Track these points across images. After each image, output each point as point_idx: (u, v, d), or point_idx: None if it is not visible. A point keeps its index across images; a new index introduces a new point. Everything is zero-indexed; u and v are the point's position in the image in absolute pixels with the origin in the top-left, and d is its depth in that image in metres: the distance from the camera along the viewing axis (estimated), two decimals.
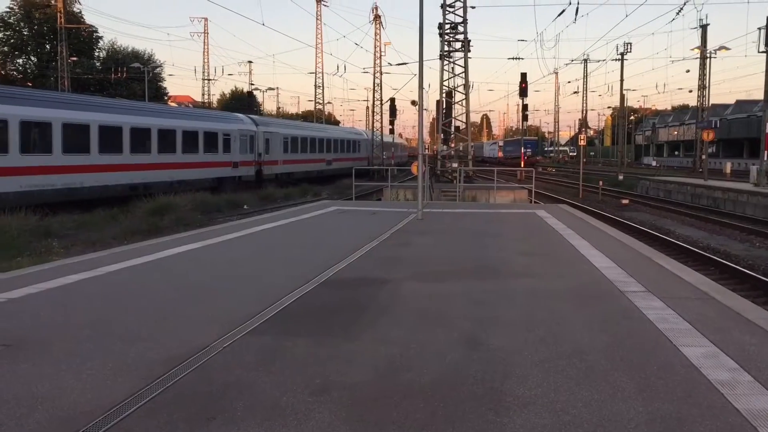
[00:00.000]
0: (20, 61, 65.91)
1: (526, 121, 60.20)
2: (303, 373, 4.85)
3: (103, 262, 9.51)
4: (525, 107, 55.79)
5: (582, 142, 42.45)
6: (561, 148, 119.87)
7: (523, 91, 42.77)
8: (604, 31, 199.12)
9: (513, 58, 71.61)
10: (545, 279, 8.52)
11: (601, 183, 36.38)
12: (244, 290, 7.71)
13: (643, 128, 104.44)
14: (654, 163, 78.45)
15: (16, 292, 7.40)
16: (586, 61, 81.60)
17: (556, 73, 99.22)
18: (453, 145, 36.63)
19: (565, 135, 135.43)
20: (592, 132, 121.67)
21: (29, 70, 65.42)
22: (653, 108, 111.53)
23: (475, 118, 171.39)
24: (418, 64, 16.39)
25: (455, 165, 31.03)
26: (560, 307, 6.99)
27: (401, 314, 6.60)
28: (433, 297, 7.40)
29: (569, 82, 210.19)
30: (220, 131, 34.11)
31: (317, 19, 68.20)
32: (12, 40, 63.91)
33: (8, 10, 62.93)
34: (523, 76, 42.00)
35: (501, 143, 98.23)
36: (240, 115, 39.32)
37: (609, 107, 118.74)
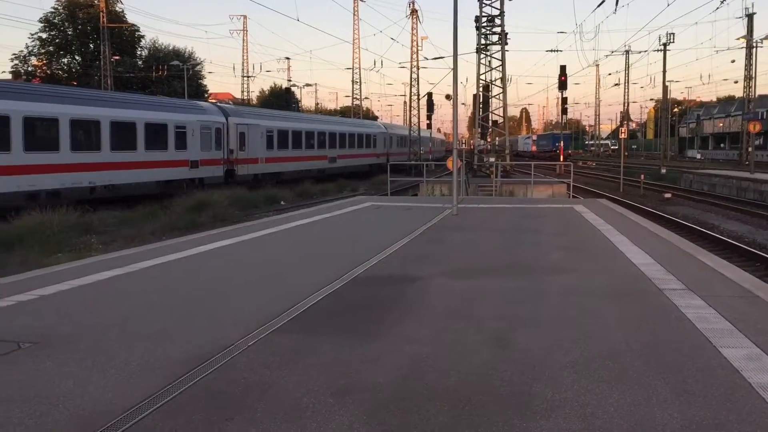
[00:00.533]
0: (65, 60, 67.23)
1: (566, 114, 59.23)
2: (326, 373, 4.75)
3: (136, 258, 9.57)
4: (564, 100, 54.89)
5: (623, 135, 41.66)
6: (602, 142, 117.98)
7: (562, 84, 42.14)
8: (645, 21, 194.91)
9: (551, 51, 70.60)
10: (580, 276, 8.29)
11: (642, 177, 35.63)
12: (272, 287, 7.66)
13: (687, 120, 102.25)
14: (698, 156, 76.76)
15: (49, 288, 7.46)
16: (627, 52, 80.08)
17: (597, 65, 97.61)
18: (490, 139, 36.27)
19: (606, 128, 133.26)
20: (634, 125, 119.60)
21: (74, 69, 66.71)
22: (698, 99, 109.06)
23: (514, 111, 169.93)
24: (452, 58, 16.19)
25: (492, 159, 30.69)
26: (595, 305, 6.78)
27: (429, 312, 6.47)
28: (463, 295, 7.25)
29: (610, 74, 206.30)
30: (171, 123, 27.97)
31: (354, 14, 68.20)
32: (57, 40, 65.19)
33: (53, 10, 64.24)
34: (562, 68, 41.44)
35: (534, 137, 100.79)
36: (202, 103, 33.88)
37: (651, 99, 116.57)
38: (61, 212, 17.72)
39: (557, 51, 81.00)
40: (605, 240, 11.46)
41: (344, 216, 15.83)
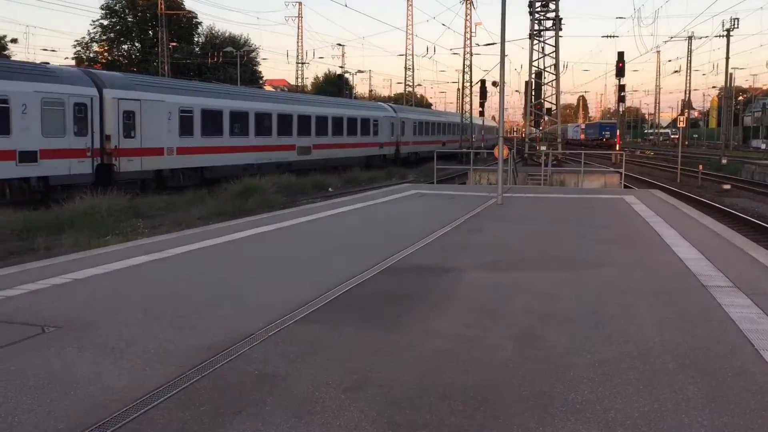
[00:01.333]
0: (125, 47, 68.69)
1: (624, 102, 57.87)
2: (342, 367, 4.64)
3: (172, 244, 9.64)
4: (622, 88, 53.65)
5: (681, 124, 40.37)
6: (661, 131, 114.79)
7: (619, 71, 41.06)
8: (707, 5, 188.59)
9: (608, 36, 68.84)
10: (622, 270, 7.99)
11: (701, 167, 34.47)
12: (303, 276, 7.60)
13: (752, 109, 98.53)
14: (763, 146, 73.98)
15: (84, 272, 7.55)
16: (690, 38, 77.52)
17: (658, 52, 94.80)
18: (543, 127, 35.59)
19: (666, 117, 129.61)
20: (696, 113, 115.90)
21: (133, 56, 68.11)
22: (764, 87, 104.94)
23: (571, 99, 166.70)
24: (500, 45, 15.83)
25: (544, 148, 30.11)
26: (633, 301, 6.50)
27: (458, 306, 6.30)
28: (496, 288, 7.05)
29: (670, 60, 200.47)
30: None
31: (407, 1, 67.73)
32: (118, 27, 66.62)
33: None
34: (620, 55, 40.27)
35: (582, 126, 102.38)
36: (52, 67, 24.95)
37: (714, 87, 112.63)
38: (111, 196, 18.07)
39: (614, 37, 78.82)
40: (652, 233, 11.05)
41: (386, 204, 15.71)
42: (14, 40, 60.51)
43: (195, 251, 9.09)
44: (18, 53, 57.66)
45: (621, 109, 65.53)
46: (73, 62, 62.97)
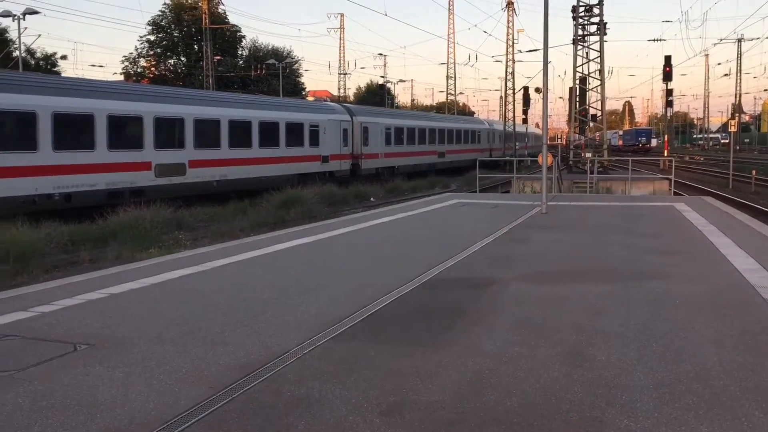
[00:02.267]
0: (171, 61, 69.90)
1: (671, 107, 56.36)
2: (379, 388, 4.42)
3: (211, 257, 9.55)
4: (669, 92, 52.22)
5: (733, 128, 39.13)
6: (711, 135, 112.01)
7: (666, 76, 39.97)
8: (757, 6, 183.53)
9: (654, 40, 67.38)
10: (674, 283, 7.59)
11: (754, 172, 33.34)
12: (341, 289, 7.39)
13: None
14: None
15: (120, 287, 7.48)
16: (739, 40, 75.50)
17: (707, 55, 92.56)
18: (589, 134, 34.90)
19: (716, 121, 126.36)
20: (747, 117, 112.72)
21: (179, 70, 69.26)
22: None
23: (616, 105, 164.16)
24: (543, 51, 15.48)
25: (589, 155, 29.47)
26: (687, 316, 6.13)
27: (501, 321, 6.02)
28: (540, 302, 6.74)
29: (719, 63, 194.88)
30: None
31: (449, 10, 67.52)
32: (164, 42, 67.83)
33: (160, 13, 66.89)
34: (667, 59, 39.22)
35: (620, 132, 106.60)
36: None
37: (766, 90, 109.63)
38: (155, 208, 18.20)
39: (661, 40, 77.03)
40: (706, 242, 10.56)
41: (427, 214, 15.45)
42: (64, 57, 62.07)
43: (233, 264, 8.98)
44: (67, 69, 59.10)
45: (669, 114, 64.01)
46: (121, 77, 64.36)
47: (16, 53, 38.01)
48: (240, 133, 26.15)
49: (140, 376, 4.65)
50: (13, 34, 41.15)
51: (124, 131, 21.76)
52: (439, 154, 44.90)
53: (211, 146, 24.66)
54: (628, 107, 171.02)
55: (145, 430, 3.80)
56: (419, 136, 42.08)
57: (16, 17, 32.54)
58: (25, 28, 79.53)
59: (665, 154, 47.37)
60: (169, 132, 23.09)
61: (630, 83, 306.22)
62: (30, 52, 50.80)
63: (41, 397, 4.25)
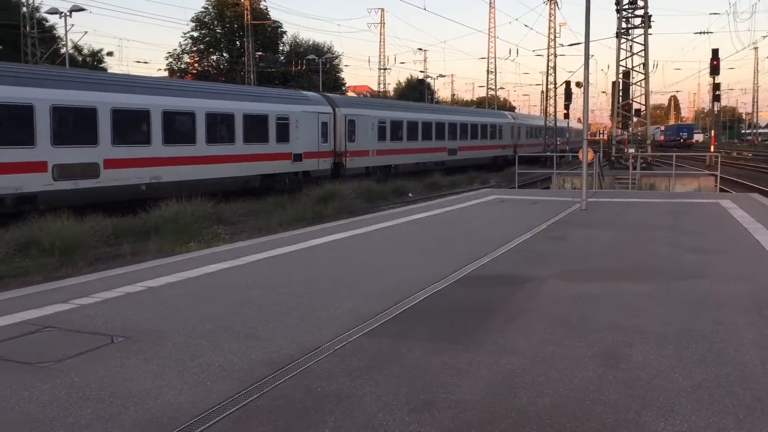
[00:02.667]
0: (214, 57, 70.74)
1: (718, 101, 55.09)
2: (410, 386, 4.38)
3: (249, 251, 9.62)
4: (716, 86, 51.01)
5: None
6: (760, 131, 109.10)
7: (714, 69, 39.09)
8: None
9: (701, 33, 65.76)
10: (717, 282, 7.39)
11: None
12: (374, 285, 7.37)
13: None
14: None
15: (158, 280, 7.59)
16: None
17: (756, 48, 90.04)
18: (632, 129, 34.29)
19: (765, 116, 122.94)
20: None
21: (221, 66, 70.06)
22: None
23: (661, 99, 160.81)
24: (584, 44, 15.23)
25: (632, 150, 28.94)
26: (730, 318, 5.96)
27: (535, 320, 5.93)
28: (577, 300, 6.63)
29: None
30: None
31: (490, 4, 66.95)
32: (207, 38, 68.68)
33: (203, 10, 67.75)
34: (714, 52, 38.33)
35: (662, 128, 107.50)
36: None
37: None
38: (195, 203, 18.43)
39: (708, 33, 75.20)
40: (752, 240, 10.27)
41: (465, 210, 15.34)
42: (110, 53, 63.38)
43: (269, 259, 9.03)
44: (113, 66, 60.21)
45: (716, 109, 62.52)
46: (165, 73, 65.36)
47: (64, 50, 38.87)
48: (179, 126, 21.86)
49: (173, 369, 4.69)
50: (60, 32, 42.10)
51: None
52: (450, 150, 39.66)
53: (137, 142, 20.36)
54: (674, 102, 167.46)
55: (176, 423, 3.83)
56: (423, 131, 36.72)
57: (63, 14, 33.28)
58: (72, 25, 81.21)
59: (712, 150, 46.25)
60: (75, 125, 18.93)
61: (676, 77, 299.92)
62: (77, 48, 51.92)
63: (77, 388, 4.32)
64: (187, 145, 21.85)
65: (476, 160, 42.39)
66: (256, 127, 24.64)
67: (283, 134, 25.86)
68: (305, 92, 30.73)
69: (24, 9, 38.14)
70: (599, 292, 6.98)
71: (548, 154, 48.98)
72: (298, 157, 26.64)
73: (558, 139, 60.08)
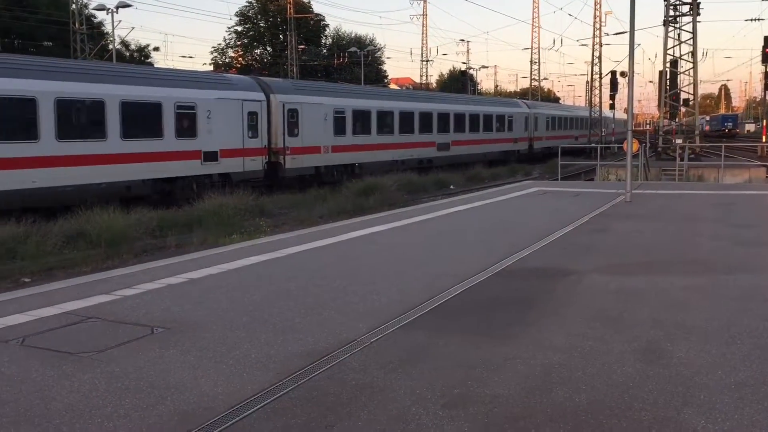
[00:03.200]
0: (258, 51, 71.35)
1: None
2: (444, 379, 4.36)
3: (289, 243, 9.69)
4: None
5: None
6: None
7: (765, 57, 37.89)
8: None
9: (752, 20, 63.66)
10: (765, 276, 7.17)
11: None
12: (412, 278, 7.35)
13: None
14: None
15: (199, 272, 7.69)
16: None
17: None
18: (680, 119, 33.50)
19: None
20: None
21: (265, 60, 70.64)
22: None
23: (711, 89, 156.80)
24: (629, 33, 14.92)
25: (679, 141, 28.28)
26: None
27: (575, 314, 5.83)
28: (619, 294, 6.50)
29: None
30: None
31: None
32: (251, 33, 69.32)
33: (247, 4, 68.35)
34: (766, 39, 37.15)
35: (707, 118, 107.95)
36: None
37: None
38: (238, 195, 18.64)
39: (759, 20, 72.75)
40: None
41: (506, 202, 15.19)
42: (156, 48, 64.45)
43: (308, 251, 9.08)
44: (159, 60, 61.24)
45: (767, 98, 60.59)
46: (210, 67, 66.16)
47: (112, 46, 39.70)
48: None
49: (211, 361, 4.75)
50: (108, 28, 42.99)
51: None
52: (440, 145, 33.40)
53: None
54: (724, 91, 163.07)
55: (212, 414, 3.87)
56: (401, 122, 30.54)
57: (110, 11, 33.98)
58: (119, 21, 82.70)
59: (764, 140, 44.90)
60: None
61: (726, 65, 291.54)
62: (124, 44, 52.96)
63: (116, 378, 4.41)
64: (23, 142, 16.27)
65: (477, 156, 36.40)
66: (142, 118, 19.17)
67: (188, 127, 20.47)
68: (227, 75, 25.45)
69: (73, 6, 39.02)
70: (642, 286, 6.83)
71: (582, 145, 47.79)
72: (211, 156, 21.09)
73: (604, 129, 59.01)
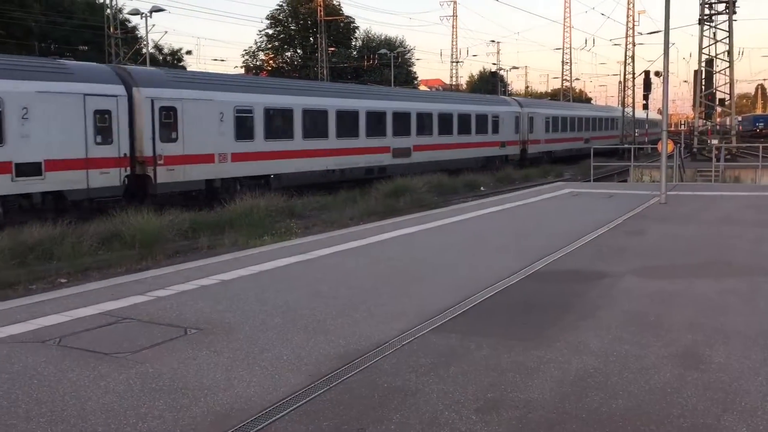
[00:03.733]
0: (288, 54, 71.79)
1: None
2: (477, 383, 4.31)
3: (320, 245, 9.70)
4: None
5: None
6: None
7: None
8: None
9: None
10: None
11: None
12: (443, 280, 7.31)
13: None
14: None
15: (231, 273, 7.73)
16: None
17: None
18: (716, 119, 32.93)
19: None
20: None
21: (295, 62, 71.06)
22: None
23: (747, 88, 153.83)
24: (664, 32, 14.68)
25: (715, 141, 27.79)
26: None
27: (610, 317, 5.74)
28: (654, 297, 6.39)
29: None
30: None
31: None
32: (282, 36, 69.79)
33: (278, 7, 68.83)
34: None
35: (740, 118, 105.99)
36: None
37: None
38: (269, 197, 18.76)
39: None
40: None
41: (538, 204, 15.05)
42: (189, 52, 65.12)
43: (339, 253, 9.08)
44: (191, 64, 61.97)
45: None
46: (242, 70, 66.74)
47: (145, 50, 40.24)
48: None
49: (243, 362, 4.76)
50: (142, 32, 43.62)
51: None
52: (397, 151, 28.26)
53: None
54: (761, 90, 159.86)
55: (245, 415, 3.88)
56: (339, 123, 25.22)
57: (144, 15, 34.45)
58: (153, 25, 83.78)
59: None
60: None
61: (763, 65, 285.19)
62: (158, 48, 53.68)
63: (151, 379, 4.44)
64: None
65: (449, 163, 31.13)
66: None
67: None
68: (64, 61, 19.09)
69: (108, 11, 39.66)
70: (678, 289, 6.71)
71: (612, 146, 47.01)
72: (32, 169, 16.21)
73: (637, 130, 58.25)
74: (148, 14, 34.21)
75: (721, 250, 8.90)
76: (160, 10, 33.99)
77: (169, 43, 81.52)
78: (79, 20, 44.59)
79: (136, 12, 35.55)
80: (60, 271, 12.23)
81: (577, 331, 5.35)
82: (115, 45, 39.14)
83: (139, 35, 46.05)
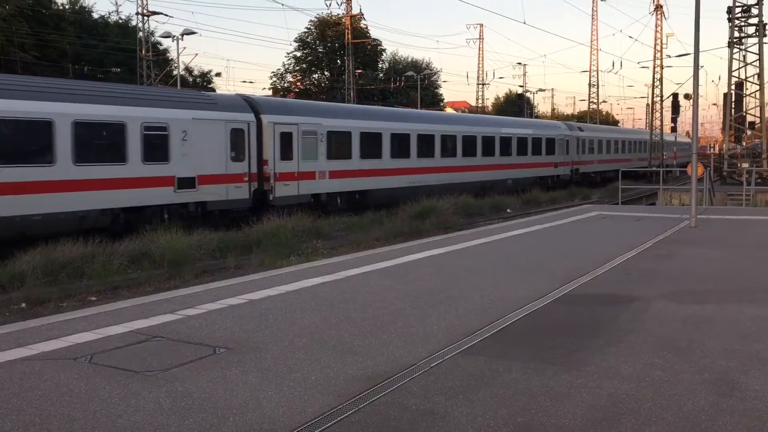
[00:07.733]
0: (316, 76, 72.51)
1: None
2: (507, 407, 4.27)
3: (346, 265, 9.71)
4: None
5: None
6: None
7: None
8: None
9: None
10: None
11: None
12: (471, 302, 7.27)
13: None
14: None
15: (259, 293, 7.77)
16: None
17: None
18: (746, 143, 32.56)
19: None
20: None
21: (323, 84, 71.71)
22: None
23: None
24: (693, 55, 14.60)
25: (745, 165, 27.43)
26: None
27: (641, 342, 5.66)
28: (687, 322, 6.29)
29: None
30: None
31: (592, 15, 65.41)
32: (309, 58, 70.53)
33: (306, 30, 69.66)
34: None
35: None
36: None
37: None
38: (296, 217, 18.85)
39: None
40: None
41: (565, 226, 14.94)
42: (218, 74, 66.03)
43: (365, 274, 9.08)
44: (220, 86, 62.85)
45: None
46: (269, 92, 67.45)
47: (176, 72, 40.91)
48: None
49: (272, 382, 4.77)
50: (173, 54, 44.40)
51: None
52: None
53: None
54: None
55: None
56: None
57: (175, 38, 35.04)
58: (184, 48, 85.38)
59: None
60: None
61: None
62: (188, 70, 54.53)
63: (180, 397, 4.46)
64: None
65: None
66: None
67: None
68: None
69: (140, 34, 40.43)
70: (711, 314, 6.60)
71: (641, 168, 46.59)
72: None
73: (666, 153, 57.71)
74: (180, 37, 34.80)
75: (753, 275, 8.75)
76: (192, 33, 34.58)
77: (199, 65, 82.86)
78: (112, 43, 45.50)
79: (167, 35, 36.18)
80: (90, 289, 12.37)
81: (607, 356, 5.28)
82: (147, 67, 39.84)
83: (170, 57, 46.89)
